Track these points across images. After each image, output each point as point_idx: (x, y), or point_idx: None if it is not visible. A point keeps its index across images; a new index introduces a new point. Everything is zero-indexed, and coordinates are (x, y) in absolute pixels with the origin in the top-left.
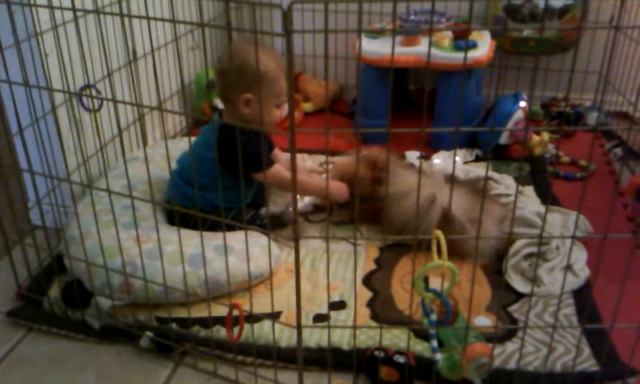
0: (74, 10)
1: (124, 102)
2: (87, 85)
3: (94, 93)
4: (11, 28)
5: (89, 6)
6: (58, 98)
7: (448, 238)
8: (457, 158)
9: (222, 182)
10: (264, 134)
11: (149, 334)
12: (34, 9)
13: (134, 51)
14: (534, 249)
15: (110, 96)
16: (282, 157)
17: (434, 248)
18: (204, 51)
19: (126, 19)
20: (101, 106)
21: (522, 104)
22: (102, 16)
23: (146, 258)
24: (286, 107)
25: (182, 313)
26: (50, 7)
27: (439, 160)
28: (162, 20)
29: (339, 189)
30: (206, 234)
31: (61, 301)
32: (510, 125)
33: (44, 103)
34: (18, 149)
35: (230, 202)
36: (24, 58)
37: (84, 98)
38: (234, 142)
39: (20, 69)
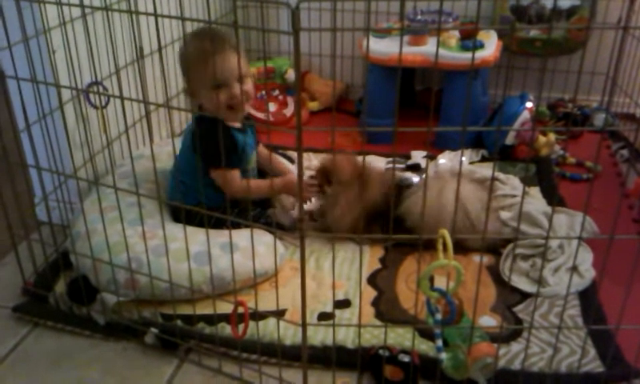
0: (82, 6)
1: (131, 99)
2: (94, 82)
3: (100, 90)
4: (19, 24)
5: (96, 2)
6: (65, 94)
7: (453, 237)
8: (463, 158)
9: (206, 179)
10: (243, 127)
11: (154, 330)
12: (42, 5)
13: (141, 48)
14: (525, 250)
15: (116, 93)
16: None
17: (440, 247)
18: None
19: (134, 16)
20: (107, 103)
21: (529, 105)
22: (109, 13)
23: (151, 255)
24: (236, 87)
25: (187, 310)
26: (59, 4)
27: (445, 160)
28: (170, 17)
29: (287, 184)
30: (211, 231)
31: (66, 297)
32: (517, 125)
33: (51, 100)
34: (25, 145)
35: (217, 200)
36: (32, 54)
37: (91, 95)
38: (200, 136)
39: (28, 65)
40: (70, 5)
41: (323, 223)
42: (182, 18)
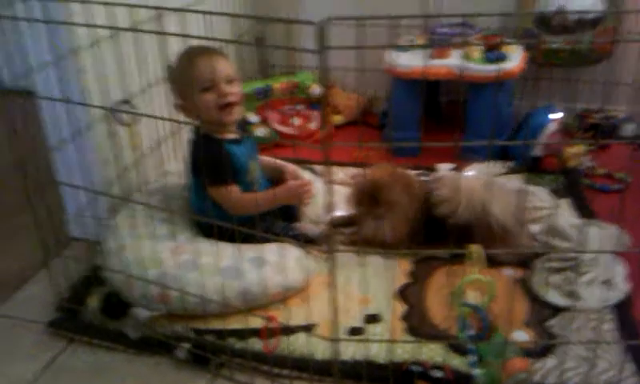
0: (111, 28)
1: (158, 117)
2: (123, 100)
3: (129, 108)
4: (50, 46)
5: (123, 21)
6: (96, 112)
7: (485, 251)
8: (490, 170)
9: (209, 204)
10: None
11: (185, 345)
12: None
13: (169, 66)
14: (556, 264)
15: (146, 110)
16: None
17: (471, 261)
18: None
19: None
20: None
21: (555, 116)
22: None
23: (182, 270)
24: (224, 87)
25: (218, 324)
26: (89, 26)
27: (472, 173)
28: (198, 37)
29: (287, 191)
30: (239, 246)
31: (99, 312)
32: (543, 137)
33: (82, 118)
34: (57, 163)
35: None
36: (63, 74)
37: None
38: (195, 153)
39: (59, 85)
40: (98, 26)
41: (362, 237)
42: (209, 38)
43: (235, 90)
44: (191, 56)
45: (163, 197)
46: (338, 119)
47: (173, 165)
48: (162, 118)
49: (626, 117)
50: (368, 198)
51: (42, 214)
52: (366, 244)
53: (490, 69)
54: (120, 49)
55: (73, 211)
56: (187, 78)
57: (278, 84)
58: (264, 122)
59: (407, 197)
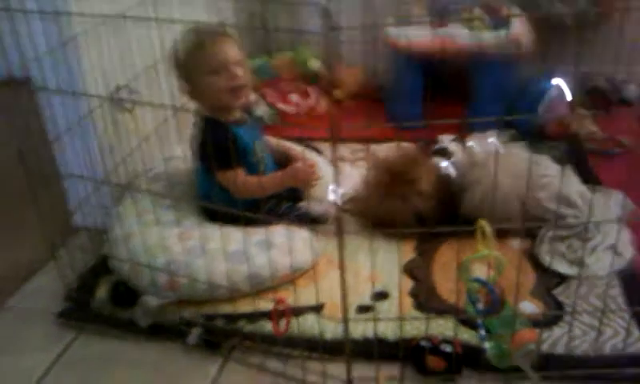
0: (108, 16)
1: (155, 105)
2: (123, 85)
3: (129, 92)
4: (48, 35)
5: (121, 4)
6: (95, 100)
7: (493, 227)
8: (492, 140)
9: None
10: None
11: (196, 331)
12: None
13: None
14: (560, 232)
15: (147, 93)
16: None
17: (479, 237)
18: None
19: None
20: (134, 107)
21: (557, 81)
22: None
23: (189, 256)
24: (235, 69)
25: (227, 309)
26: (83, 15)
27: (474, 143)
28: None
29: (293, 174)
30: (247, 229)
31: (108, 301)
32: (545, 104)
33: (82, 107)
34: (59, 153)
35: (232, 201)
36: (59, 63)
37: (119, 99)
38: (201, 138)
39: (57, 74)
40: (95, 15)
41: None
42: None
43: (244, 73)
44: (199, 39)
45: (167, 182)
46: (338, 94)
47: (177, 149)
48: (161, 106)
49: (628, 78)
50: (389, 178)
51: (45, 205)
52: (378, 223)
53: (494, 37)
54: (118, 34)
55: (77, 201)
56: (195, 60)
57: (278, 60)
58: (263, 99)
59: (426, 178)
